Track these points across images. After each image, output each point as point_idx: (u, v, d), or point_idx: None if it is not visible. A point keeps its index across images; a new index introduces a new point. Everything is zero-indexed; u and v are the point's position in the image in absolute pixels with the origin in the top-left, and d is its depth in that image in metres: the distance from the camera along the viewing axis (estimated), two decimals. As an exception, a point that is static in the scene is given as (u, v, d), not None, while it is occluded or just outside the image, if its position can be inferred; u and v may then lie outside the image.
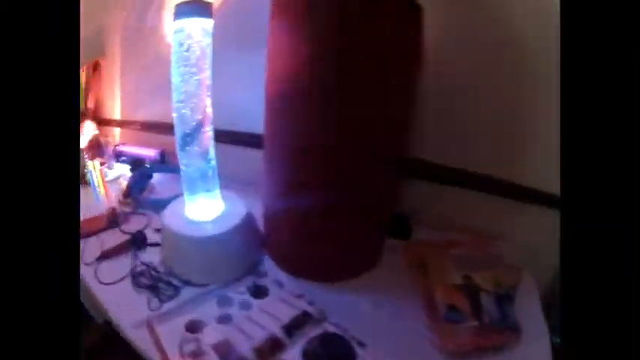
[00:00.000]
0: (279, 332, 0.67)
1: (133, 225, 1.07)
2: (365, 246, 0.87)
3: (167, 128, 1.27)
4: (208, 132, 0.79)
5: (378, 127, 0.69)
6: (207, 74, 0.73)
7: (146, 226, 1.06)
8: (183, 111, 0.75)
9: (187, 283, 0.82)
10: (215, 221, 0.86)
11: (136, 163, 1.42)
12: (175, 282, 0.83)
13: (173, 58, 0.72)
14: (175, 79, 0.73)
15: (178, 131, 0.78)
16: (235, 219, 0.85)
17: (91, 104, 1.63)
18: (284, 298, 0.78)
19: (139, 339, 0.68)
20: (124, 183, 1.31)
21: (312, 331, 0.68)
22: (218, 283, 0.82)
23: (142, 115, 1.53)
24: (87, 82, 1.58)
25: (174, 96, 0.74)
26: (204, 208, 0.87)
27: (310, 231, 0.80)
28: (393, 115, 0.71)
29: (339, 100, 0.65)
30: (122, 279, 0.86)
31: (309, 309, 0.73)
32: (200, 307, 0.75)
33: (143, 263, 0.90)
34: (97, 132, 1.46)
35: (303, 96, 0.67)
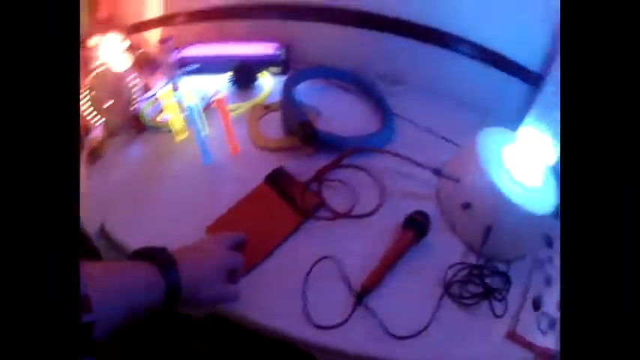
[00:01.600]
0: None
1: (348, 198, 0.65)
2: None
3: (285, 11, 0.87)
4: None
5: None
6: None
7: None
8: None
9: (508, 262, 0.61)
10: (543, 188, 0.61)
11: (243, 68, 0.87)
12: (500, 267, 0.60)
13: None
14: None
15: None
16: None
17: (103, 13, 0.87)
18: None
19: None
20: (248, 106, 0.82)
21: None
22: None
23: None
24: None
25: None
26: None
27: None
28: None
29: None
30: (442, 298, 0.56)
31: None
32: (530, 280, 0.62)
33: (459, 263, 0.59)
34: (128, 42, 0.80)
35: None
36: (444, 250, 0.60)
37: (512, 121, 0.72)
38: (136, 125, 0.78)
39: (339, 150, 0.69)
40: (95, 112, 0.76)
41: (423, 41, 0.81)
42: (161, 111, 0.79)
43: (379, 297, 0.54)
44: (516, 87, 0.78)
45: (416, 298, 0.55)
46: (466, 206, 0.59)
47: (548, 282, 0.61)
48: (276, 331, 0.52)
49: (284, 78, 0.83)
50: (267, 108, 0.81)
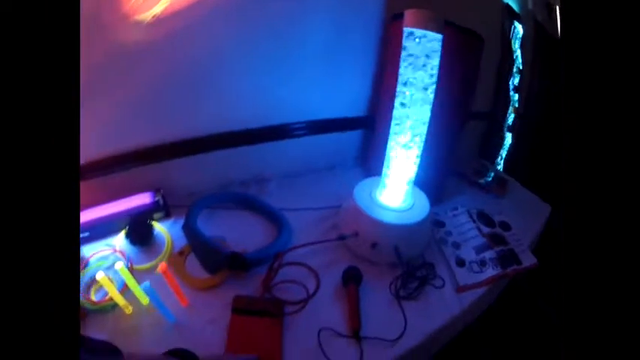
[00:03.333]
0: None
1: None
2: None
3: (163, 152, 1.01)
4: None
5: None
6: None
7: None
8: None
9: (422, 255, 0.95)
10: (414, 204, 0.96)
11: (137, 223, 0.93)
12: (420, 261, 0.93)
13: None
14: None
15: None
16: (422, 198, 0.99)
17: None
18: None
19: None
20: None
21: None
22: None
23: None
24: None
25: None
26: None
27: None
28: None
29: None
30: (400, 303, 0.83)
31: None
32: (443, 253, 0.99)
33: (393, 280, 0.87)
34: None
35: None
36: (379, 278, 0.87)
37: (359, 162, 1.13)
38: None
39: (258, 264, 0.88)
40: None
41: (270, 140, 1.10)
42: (88, 290, 0.83)
43: (364, 329, 0.77)
44: (352, 136, 1.19)
45: (386, 313, 0.81)
46: (374, 246, 0.88)
47: (456, 246, 0.97)
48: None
49: (170, 221, 0.99)
50: (182, 254, 0.92)
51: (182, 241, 0.96)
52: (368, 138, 1.24)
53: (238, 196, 1.08)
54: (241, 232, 0.97)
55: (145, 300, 0.82)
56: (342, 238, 0.91)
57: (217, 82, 0.97)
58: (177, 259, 0.91)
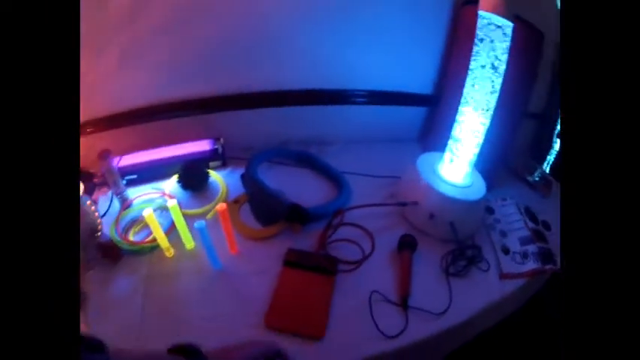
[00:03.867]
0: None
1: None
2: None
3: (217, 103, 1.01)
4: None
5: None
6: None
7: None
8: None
9: (472, 237, 0.95)
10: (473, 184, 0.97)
11: (192, 169, 0.94)
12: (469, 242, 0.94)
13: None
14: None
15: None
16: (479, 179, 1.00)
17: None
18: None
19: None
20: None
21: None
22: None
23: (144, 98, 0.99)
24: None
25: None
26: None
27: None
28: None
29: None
30: (448, 279, 0.84)
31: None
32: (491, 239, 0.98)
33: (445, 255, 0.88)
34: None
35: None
36: (431, 251, 0.89)
37: (419, 137, 1.17)
38: (110, 254, 0.79)
39: (316, 220, 0.90)
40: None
41: (330, 104, 1.11)
42: (127, 231, 0.85)
43: (412, 299, 0.78)
44: (413, 112, 1.20)
45: (433, 286, 0.82)
46: (431, 216, 0.90)
47: (503, 234, 0.97)
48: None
49: (226, 171, 1.01)
50: (237, 202, 0.94)
51: (236, 192, 0.99)
52: (431, 115, 1.25)
53: (299, 153, 1.10)
54: (299, 189, 0.98)
55: (190, 244, 0.84)
56: (402, 204, 0.94)
57: (285, 40, 0.99)
58: (232, 206, 0.92)
